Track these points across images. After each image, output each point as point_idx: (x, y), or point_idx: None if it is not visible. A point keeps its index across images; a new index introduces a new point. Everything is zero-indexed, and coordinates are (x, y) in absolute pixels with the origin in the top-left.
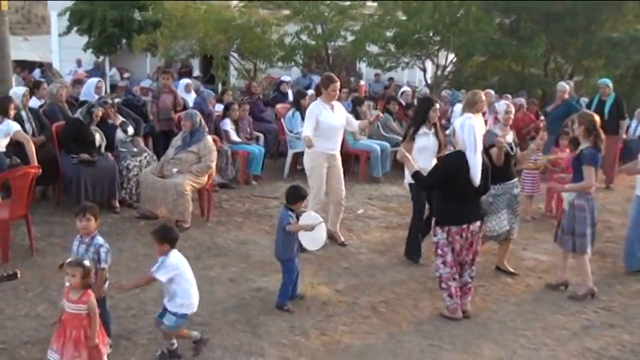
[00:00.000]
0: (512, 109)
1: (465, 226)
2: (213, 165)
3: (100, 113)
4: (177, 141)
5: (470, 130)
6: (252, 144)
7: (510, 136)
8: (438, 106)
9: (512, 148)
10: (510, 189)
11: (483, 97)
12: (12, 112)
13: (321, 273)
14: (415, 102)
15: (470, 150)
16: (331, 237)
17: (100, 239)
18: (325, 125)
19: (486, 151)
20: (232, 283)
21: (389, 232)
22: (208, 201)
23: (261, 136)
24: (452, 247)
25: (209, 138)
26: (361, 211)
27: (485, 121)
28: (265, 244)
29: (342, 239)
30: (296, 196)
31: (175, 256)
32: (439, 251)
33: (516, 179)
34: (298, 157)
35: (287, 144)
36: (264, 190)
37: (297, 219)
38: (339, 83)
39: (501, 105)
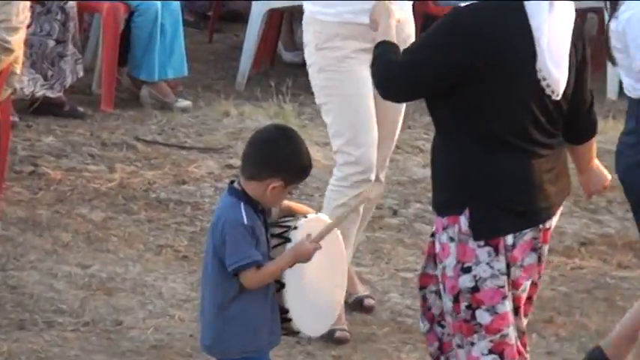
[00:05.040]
0: None
1: (541, 226)
2: (15, 41)
3: None
4: None
5: None
6: None
7: None
8: None
9: None
10: None
11: None
12: None
13: None
14: None
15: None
16: (351, 285)
17: None
18: None
19: None
20: None
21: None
22: (1, 155)
23: None
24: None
25: None
26: None
27: None
28: (174, 297)
29: (363, 293)
30: (272, 160)
31: None
32: (480, 296)
33: None
34: (284, 22)
35: None
36: (177, 128)
37: (284, 233)
38: None
39: None
